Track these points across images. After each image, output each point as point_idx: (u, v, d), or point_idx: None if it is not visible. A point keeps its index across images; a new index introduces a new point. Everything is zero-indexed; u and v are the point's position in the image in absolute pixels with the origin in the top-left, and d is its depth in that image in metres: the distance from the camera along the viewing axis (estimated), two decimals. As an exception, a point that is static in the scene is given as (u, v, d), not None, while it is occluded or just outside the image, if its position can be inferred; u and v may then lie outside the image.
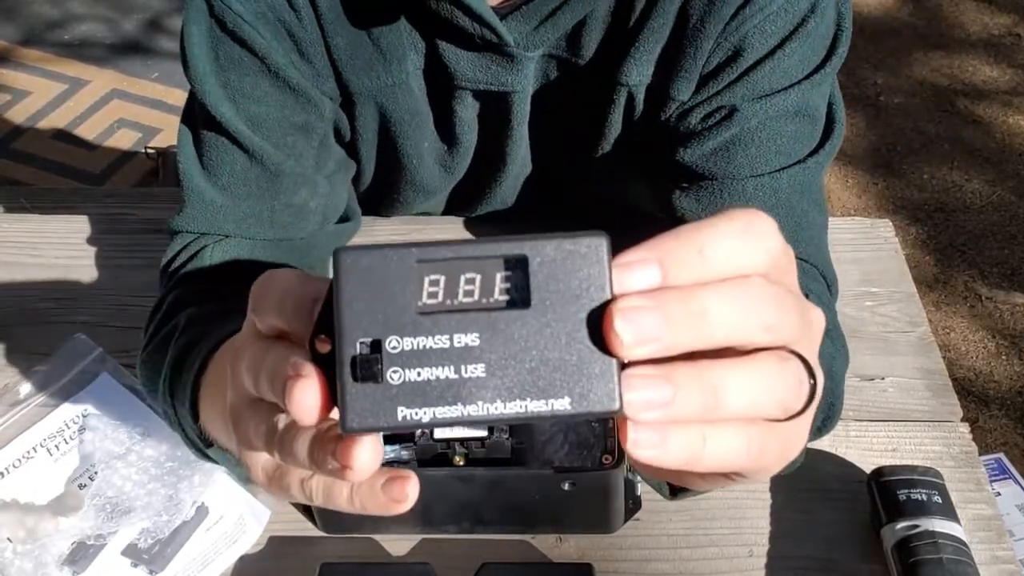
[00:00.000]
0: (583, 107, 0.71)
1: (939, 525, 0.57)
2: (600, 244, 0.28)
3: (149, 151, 2.01)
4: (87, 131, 2.22)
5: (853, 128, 2.17)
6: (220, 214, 0.65)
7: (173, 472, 0.63)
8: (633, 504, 0.63)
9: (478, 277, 0.28)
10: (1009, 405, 1.63)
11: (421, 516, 0.61)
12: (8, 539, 0.61)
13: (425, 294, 0.28)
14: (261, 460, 0.36)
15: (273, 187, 0.67)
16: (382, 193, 0.81)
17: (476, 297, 0.28)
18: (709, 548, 0.62)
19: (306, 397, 0.29)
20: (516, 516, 0.61)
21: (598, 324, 0.27)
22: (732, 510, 0.63)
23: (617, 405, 0.27)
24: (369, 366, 0.27)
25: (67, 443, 0.68)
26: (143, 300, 0.77)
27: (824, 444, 0.67)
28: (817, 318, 0.33)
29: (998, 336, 1.74)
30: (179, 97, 2.24)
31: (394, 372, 0.28)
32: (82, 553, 0.61)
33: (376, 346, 0.28)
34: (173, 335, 0.55)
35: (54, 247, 0.85)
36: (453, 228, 0.85)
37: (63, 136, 2.21)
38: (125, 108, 2.28)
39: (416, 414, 0.28)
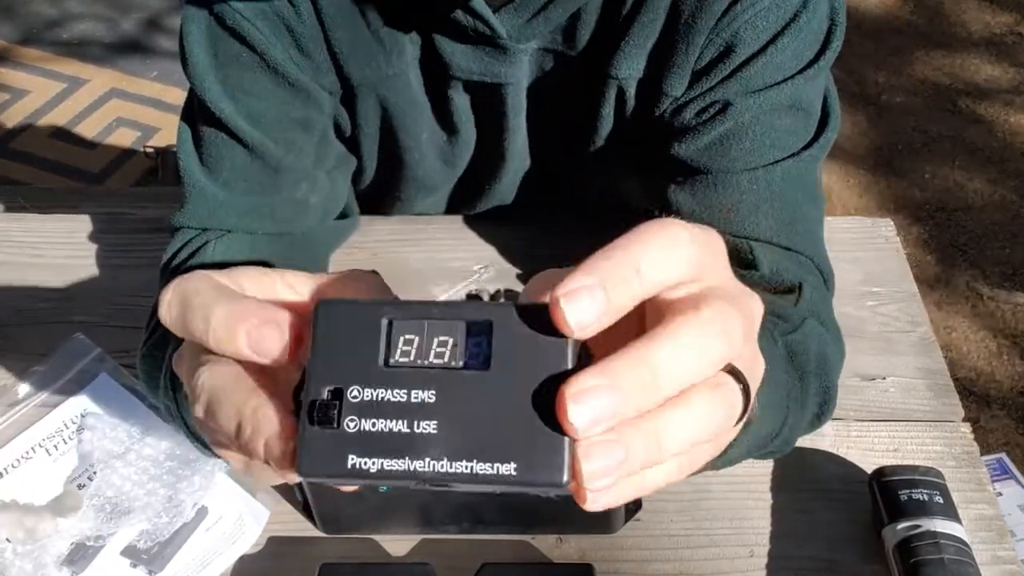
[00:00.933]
0: (577, 100, 0.71)
1: (940, 525, 0.57)
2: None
3: (148, 150, 2.01)
4: (86, 130, 2.22)
5: (855, 127, 2.17)
6: (222, 209, 0.65)
7: (172, 472, 0.63)
8: (633, 504, 0.63)
9: (441, 339, 0.29)
10: (1011, 405, 1.62)
11: (421, 516, 0.61)
12: (7, 540, 0.60)
13: (396, 351, 0.29)
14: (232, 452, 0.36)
15: (274, 182, 0.67)
16: (383, 191, 0.81)
17: (442, 358, 0.29)
18: (710, 548, 0.61)
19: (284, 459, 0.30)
20: (516, 516, 0.61)
21: (552, 397, 0.28)
22: (733, 511, 0.63)
23: (565, 479, 0.27)
24: (326, 411, 0.29)
25: (66, 443, 0.67)
26: (142, 300, 0.77)
27: (825, 444, 0.67)
28: (757, 308, 0.34)
29: (1000, 336, 1.74)
30: (178, 96, 2.24)
31: (351, 420, 0.29)
32: (81, 553, 0.61)
33: (338, 394, 0.29)
34: None
35: (53, 247, 0.85)
36: (453, 227, 0.85)
37: (62, 135, 2.21)
38: (124, 107, 2.28)
39: (365, 463, 0.28)
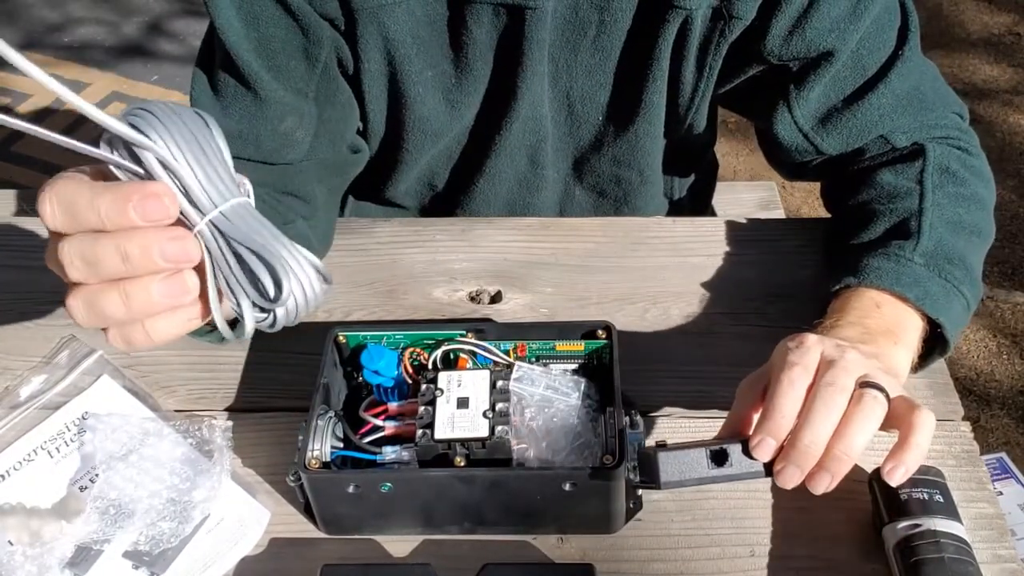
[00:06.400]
0: (625, 38, 0.73)
1: (941, 524, 0.57)
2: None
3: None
4: (87, 134, 2.22)
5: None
6: None
7: (176, 473, 0.63)
8: (634, 504, 0.63)
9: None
10: (1010, 404, 1.63)
11: (422, 517, 0.61)
12: (9, 542, 0.60)
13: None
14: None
15: (259, 112, 0.71)
16: (390, 140, 0.82)
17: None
18: (711, 548, 0.62)
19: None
20: (517, 517, 0.61)
21: None
22: (734, 510, 0.63)
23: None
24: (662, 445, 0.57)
25: (68, 445, 0.68)
26: (143, 302, 0.77)
27: (825, 444, 0.67)
28: (894, 365, 0.61)
29: (999, 335, 1.74)
30: (179, 100, 2.25)
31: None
32: (84, 555, 0.61)
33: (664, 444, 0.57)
34: None
35: (54, 250, 0.85)
36: (453, 229, 0.85)
37: (63, 139, 2.21)
38: (125, 111, 2.28)
39: (690, 446, 0.57)
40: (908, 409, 0.55)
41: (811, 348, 0.56)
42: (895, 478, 0.54)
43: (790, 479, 0.54)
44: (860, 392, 0.54)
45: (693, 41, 0.73)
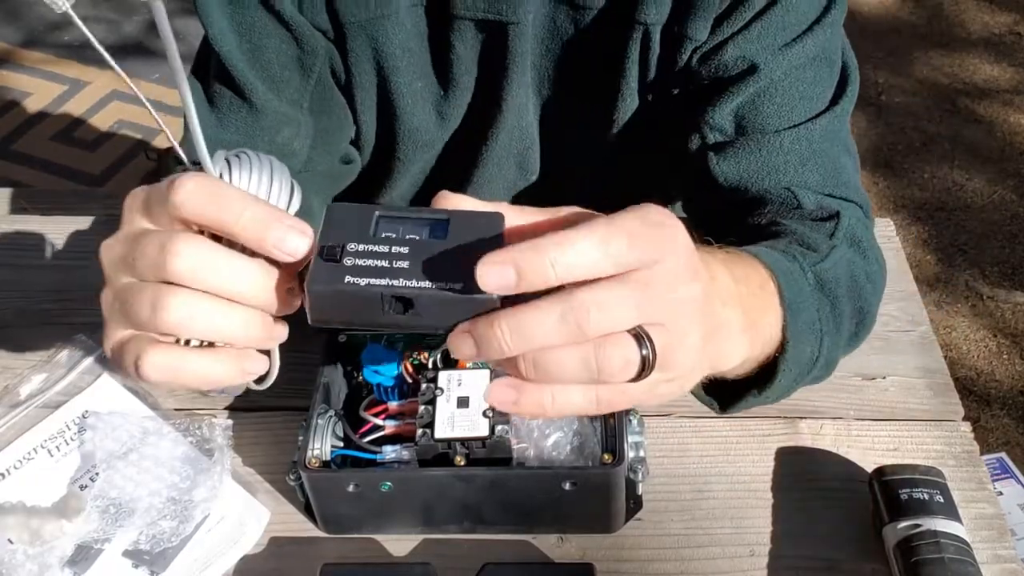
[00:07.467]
0: (593, 51, 0.72)
1: (941, 524, 0.57)
2: (499, 217, 0.43)
3: (149, 153, 2.01)
4: (87, 132, 2.22)
5: (854, 127, 2.17)
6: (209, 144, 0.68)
7: (176, 472, 0.63)
8: (634, 504, 0.63)
9: (415, 226, 0.43)
10: (1010, 404, 1.63)
11: (422, 516, 0.61)
12: (9, 541, 0.60)
13: (382, 230, 0.43)
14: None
15: (256, 123, 0.71)
16: (381, 149, 0.82)
17: (416, 235, 0.42)
18: (711, 548, 0.62)
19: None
20: (517, 516, 0.61)
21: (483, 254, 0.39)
22: (734, 510, 0.63)
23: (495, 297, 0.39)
24: (333, 252, 0.41)
25: (68, 444, 0.68)
26: (143, 301, 0.77)
27: (825, 444, 0.67)
28: (683, 239, 0.41)
29: (999, 335, 1.74)
30: (179, 99, 2.25)
31: (348, 259, 0.41)
32: (84, 554, 0.61)
33: (340, 245, 0.42)
34: None
35: (54, 248, 0.85)
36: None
37: (63, 137, 2.21)
38: (125, 109, 2.28)
39: (356, 281, 0.40)
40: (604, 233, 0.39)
41: (666, 243, 0.40)
42: (483, 276, 0.38)
43: (459, 348, 0.39)
44: (619, 338, 0.38)
45: (652, 59, 0.71)
